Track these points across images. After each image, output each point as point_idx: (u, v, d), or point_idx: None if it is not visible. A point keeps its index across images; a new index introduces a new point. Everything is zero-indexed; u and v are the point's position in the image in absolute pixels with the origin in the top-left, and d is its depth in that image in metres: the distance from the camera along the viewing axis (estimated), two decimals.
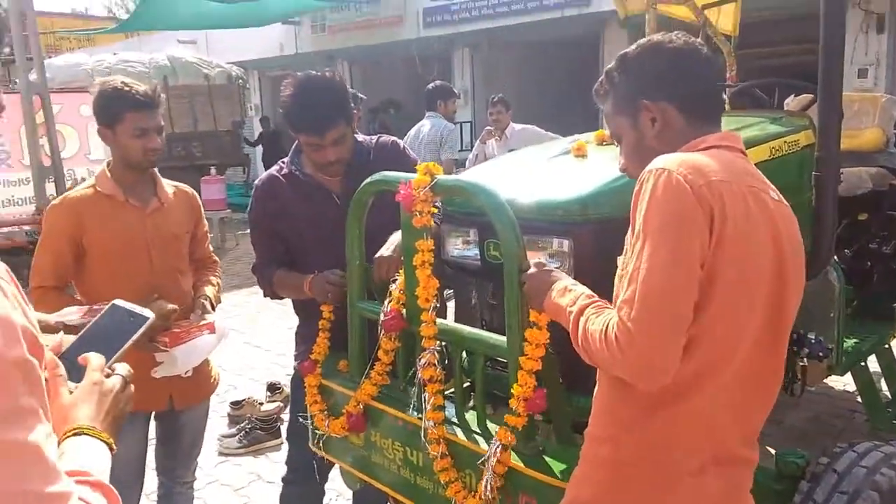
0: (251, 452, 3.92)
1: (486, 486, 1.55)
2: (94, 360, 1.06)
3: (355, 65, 15.08)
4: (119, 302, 1.30)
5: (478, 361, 1.74)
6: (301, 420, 2.27)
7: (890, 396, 3.31)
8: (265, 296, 2.45)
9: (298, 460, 2.45)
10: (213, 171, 10.56)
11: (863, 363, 3.03)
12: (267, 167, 15.12)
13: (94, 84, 2.25)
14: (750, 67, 5.32)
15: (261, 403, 4.33)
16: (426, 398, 1.75)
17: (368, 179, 1.93)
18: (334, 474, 2.55)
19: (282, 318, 6.40)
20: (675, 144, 1.36)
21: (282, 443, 3.97)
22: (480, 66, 12.85)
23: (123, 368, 1.09)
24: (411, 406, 1.88)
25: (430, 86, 5.88)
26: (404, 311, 1.88)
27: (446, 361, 1.84)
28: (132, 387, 1.09)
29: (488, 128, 5.90)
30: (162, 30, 13.82)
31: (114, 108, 2.16)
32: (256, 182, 2.43)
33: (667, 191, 1.21)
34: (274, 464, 3.78)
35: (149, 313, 1.27)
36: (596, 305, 1.33)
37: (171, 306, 2.10)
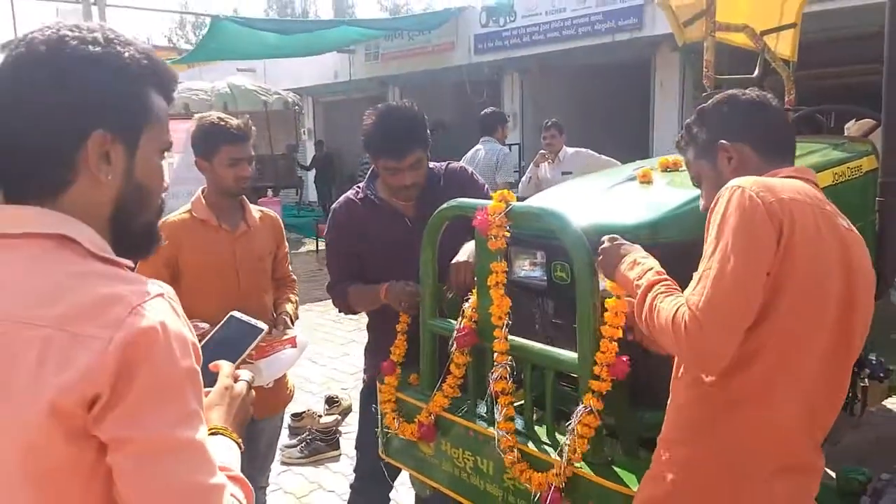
0: (312, 462, 4.07)
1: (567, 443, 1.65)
2: (225, 367, 1.19)
3: (406, 90, 15.40)
4: (236, 314, 1.45)
5: (548, 376, 1.84)
6: (374, 429, 2.40)
7: None
8: (340, 311, 2.60)
9: (366, 468, 2.58)
10: (269, 192, 10.92)
11: None
12: (319, 189, 15.63)
13: (192, 119, 2.46)
14: (806, 89, 5.31)
15: (320, 416, 4.48)
16: (499, 409, 1.85)
17: (444, 205, 2.06)
18: (397, 483, 2.67)
19: (336, 333, 6.59)
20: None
21: (340, 454, 4.12)
22: (530, 90, 12.99)
23: (247, 375, 1.22)
24: (483, 417, 1.99)
25: (484, 112, 6.04)
26: (476, 327, 1.99)
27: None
28: (253, 392, 1.22)
29: (542, 151, 6.00)
30: (224, 59, 14.39)
31: (210, 141, 2.37)
32: (334, 206, 2.58)
33: (740, 204, 1.35)
34: (334, 474, 3.91)
35: (263, 325, 1.42)
36: (665, 284, 1.47)
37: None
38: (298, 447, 4.13)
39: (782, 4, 4.70)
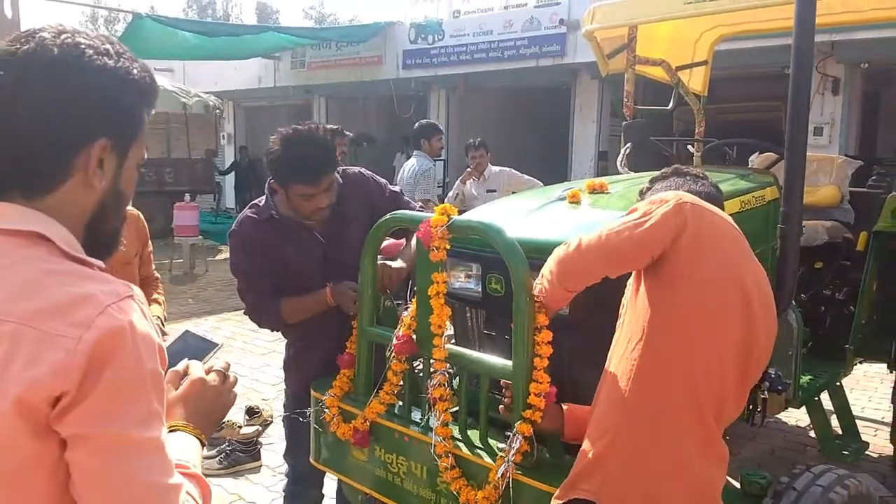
0: (231, 474, 3.99)
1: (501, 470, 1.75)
2: (195, 364, 1.20)
3: (332, 100, 15.35)
4: (191, 329, 1.47)
5: (483, 383, 1.94)
6: (303, 436, 2.42)
7: (840, 430, 3.58)
8: (272, 329, 2.58)
9: (299, 472, 2.60)
10: (187, 197, 10.62)
11: (816, 398, 3.30)
12: (239, 195, 15.22)
13: None
14: (712, 122, 5.71)
15: (240, 426, 4.41)
16: (436, 415, 1.92)
17: (387, 216, 2.13)
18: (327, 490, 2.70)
19: (256, 343, 6.49)
20: None
21: (261, 465, 4.06)
22: (456, 107, 13.22)
23: (219, 364, 1.23)
24: (417, 423, 2.06)
25: (417, 124, 6.11)
26: (414, 336, 2.06)
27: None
28: (233, 376, 1.22)
29: (468, 169, 6.15)
30: (142, 59, 13.87)
31: None
32: (236, 229, 2.47)
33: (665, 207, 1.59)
34: (254, 485, 3.86)
35: (218, 341, 1.44)
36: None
37: None
38: (217, 458, 4.05)
39: (695, 43, 5.04)
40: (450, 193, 6.50)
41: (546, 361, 1.77)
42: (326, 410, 2.24)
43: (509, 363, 1.84)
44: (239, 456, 4.07)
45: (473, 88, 12.64)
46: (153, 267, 2.75)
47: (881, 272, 3.59)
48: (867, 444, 3.50)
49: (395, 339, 2.07)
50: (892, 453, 3.75)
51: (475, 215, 2.21)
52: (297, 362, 2.59)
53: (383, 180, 2.65)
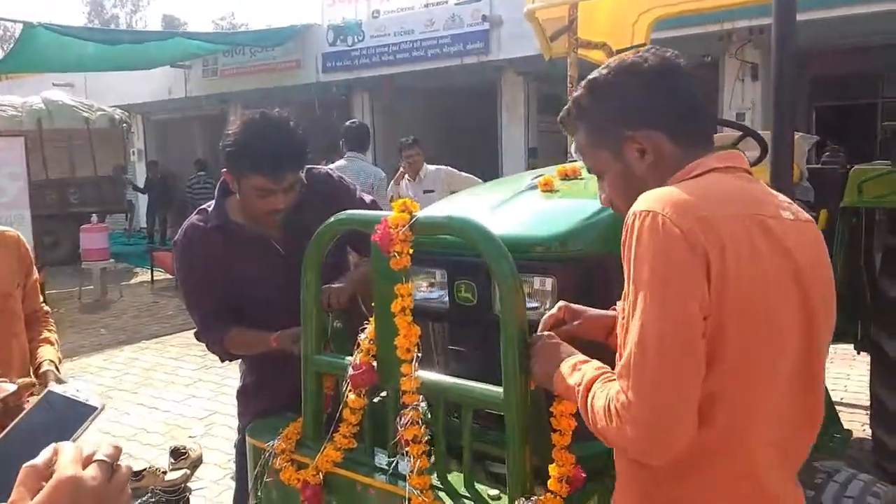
0: None
1: None
2: (67, 449, 0.78)
3: (249, 108, 14.65)
4: (55, 388, 1.03)
5: (466, 416, 1.57)
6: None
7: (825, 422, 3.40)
8: (221, 359, 2.22)
9: None
10: (94, 218, 9.79)
11: None
12: (151, 215, 14.35)
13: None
14: None
15: (164, 472, 3.88)
16: (410, 461, 1.54)
17: (333, 218, 1.74)
18: None
19: (179, 374, 5.90)
20: (668, 173, 1.23)
21: None
22: (380, 110, 12.84)
23: (105, 449, 0.81)
24: (382, 470, 1.67)
25: (351, 123, 5.61)
26: (375, 363, 1.68)
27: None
28: (124, 467, 0.81)
29: (401, 169, 5.78)
30: (39, 72, 12.92)
31: None
32: (181, 239, 2.15)
33: (653, 237, 1.07)
34: None
35: (97, 402, 1.00)
36: (603, 379, 1.18)
37: (20, 382, 1.78)
38: None
39: (633, 25, 4.87)
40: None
41: (568, 438, 1.42)
42: (272, 460, 1.82)
43: (498, 390, 1.48)
44: None
45: (398, 90, 12.30)
46: (41, 299, 2.25)
47: (846, 250, 3.46)
48: (850, 431, 3.32)
49: (350, 368, 1.67)
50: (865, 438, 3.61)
51: (438, 211, 1.84)
52: (257, 390, 2.22)
53: (353, 185, 2.31)
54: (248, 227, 2.10)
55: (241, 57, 13.39)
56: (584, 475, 1.47)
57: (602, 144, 1.29)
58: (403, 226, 1.54)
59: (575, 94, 1.33)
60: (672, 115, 1.25)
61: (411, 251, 1.59)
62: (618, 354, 1.16)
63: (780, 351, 1.14)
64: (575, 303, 1.68)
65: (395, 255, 1.55)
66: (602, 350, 1.39)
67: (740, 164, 1.26)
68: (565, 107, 1.35)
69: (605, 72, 1.28)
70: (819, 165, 4.05)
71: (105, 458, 0.77)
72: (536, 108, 11.81)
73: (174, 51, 12.13)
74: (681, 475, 1.15)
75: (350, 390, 1.69)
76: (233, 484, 3.85)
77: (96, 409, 1.00)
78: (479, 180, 5.87)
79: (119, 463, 0.80)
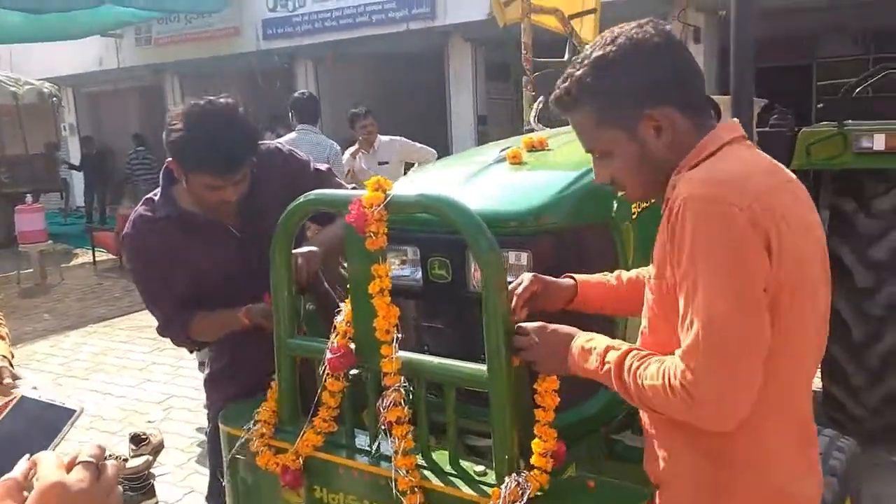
0: None
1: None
2: (47, 458, 0.76)
3: (186, 78, 14.14)
4: (29, 393, 0.98)
5: (449, 394, 1.56)
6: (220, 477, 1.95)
7: None
8: (190, 350, 2.23)
9: None
10: (28, 198, 9.35)
11: None
12: (89, 193, 13.78)
13: None
14: None
15: (125, 459, 3.78)
16: (395, 442, 1.53)
17: (302, 198, 1.68)
18: None
19: (131, 357, 5.73)
20: (683, 150, 1.25)
21: (157, 501, 3.50)
22: (325, 79, 12.52)
23: (88, 450, 0.78)
24: (364, 451, 1.66)
25: (300, 94, 5.38)
26: (353, 345, 1.65)
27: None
28: (111, 467, 0.79)
29: (359, 140, 5.64)
30: None
31: None
32: (130, 231, 2.05)
33: (714, 221, 1.11)
34: None
35: (75, 405, 0.96)
36: (634, 356, 1.25)
37: None
38: None
39: None
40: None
41: (552, 415, 1.44)
42: (247, 446, 1.79)
43: (482, 368, 1.48)
44: (129, 496, 3.44)
45: (342, 57, 12.01)
46: None
47: None
48: None
49: (328, 352, 1.64)
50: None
51: (411, 188, 1.81)
52: (224, 375, 2.16)
53: (305, 157, 2.22)
54: (201, 214, 2.01)
55: (176, 24, 12.82)
56: (565, 448, 1.49)
57: (615, 124, 1.26)
58: (379, 205, 1.50)
59: (575, 72, 1.28)
60: (680, 90, 1.26)
61: (386, 231, 1.55)
62: (646, 324, 1.29)
63: (816, 307, 1.23)
64: (551, 275, 1.69)
65: (371, 236, 1.52)
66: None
67: (740, 131, 1.30)
68: (562, 86, 1.30)
69: (610, 48, 1.25)
70: (767, 129, 4.12)
71: (90, 459, 0.76)
72: (485, 75, 11.72)
73: (105, 19, 11.50)
74: (743, 431, 1.19)
75: (328, 373, 1.66)
76: (199, 468, 3.82)
77: (75, 412, 0.96)
78: (434, 151, 5.81)
79: (105, 462, 0.78)
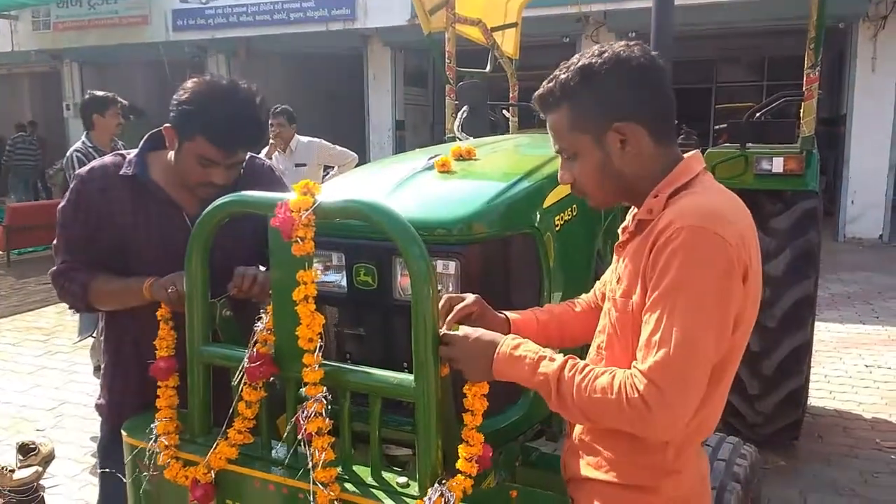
0: None
1: None
2: None
3: (87, 66, 13.37)
4: None
5: (374, 405, 1.52)
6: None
7: None
8: (71, 307, 2.03)
9: None
10: None
11: None
12: None
13: None
14: (526, 88, 5.72)
15: (12, 470, 3.52)
16: (314, 454, 1.48)
17: (222, 199, 1.60)
18: None
19: (19, 360, 5.32)
20: (645, 169, 1.33)
21: None
22: (238, 75, 12.15)
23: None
24: (278, 462, 1.60)
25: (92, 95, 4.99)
26: (272, 353, 1.59)
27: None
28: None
29: (272, 141, 5.51)
30: None
31: None
32: (83, 172, 1.96)
33: (707, 252, 1.19)
34: None
35: None
36: (575, 368, 1.28)
37: None
38: None
39: (506, 4, 4.94)
40: None
41: (479, 419, 1.42)
42: (155, 458, 1.68)
43: (409, 378, 1.45)
44: None
45: (257, 54, 11.71)
46: None
47: None
48: None
49: (246, 360, 1.57)
50: None
51: (339, 193, 1.76)
52: (116, 373, 2.01)
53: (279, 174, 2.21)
54: (165, 190, 1.93)
55: (78, 9, 12.13)
56: (491, 452, 1.49)
57: (585, 129, 1.34)
58: (307, 210, 1.45)
59: (560, 75, 1.35)
60: (654, 113, 1.34)
61: (313, 236, 1.50)
62: (603, 339, 1.40)
63: (751, 326, 1.33)
64: (479, 287, 1.69)
65: (297, 241, 1.46)
66: None
67: (703, 163, 1.39)
68: (547, 86, 1.37)
69: (597, 59, 1.32)
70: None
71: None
72: (403, 80, 11.72)
73: None
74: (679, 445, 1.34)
75: (246, 383, 1.59)
76: (92, 479, 3.59)
77: None
78: (354, 154, 5.74)
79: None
